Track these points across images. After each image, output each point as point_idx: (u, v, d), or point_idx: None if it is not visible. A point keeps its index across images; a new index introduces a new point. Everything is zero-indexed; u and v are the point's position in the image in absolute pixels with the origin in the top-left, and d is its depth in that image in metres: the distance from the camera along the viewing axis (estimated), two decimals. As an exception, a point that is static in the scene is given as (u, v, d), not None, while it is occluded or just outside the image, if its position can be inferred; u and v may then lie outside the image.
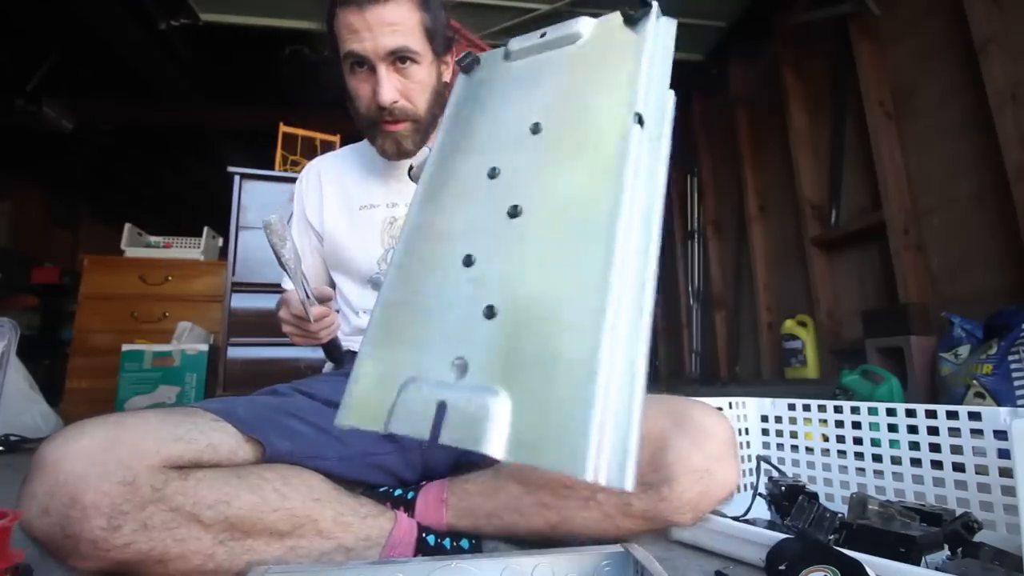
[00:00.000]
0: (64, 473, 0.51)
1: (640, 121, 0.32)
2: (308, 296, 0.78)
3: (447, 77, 0.93)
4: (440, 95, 0.90)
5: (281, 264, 0.74)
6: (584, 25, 0.39)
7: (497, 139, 0.38)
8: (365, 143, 0.96)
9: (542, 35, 0.40)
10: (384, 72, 0.83)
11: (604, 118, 0.34)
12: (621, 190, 0.31)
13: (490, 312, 0.31)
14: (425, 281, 0.35)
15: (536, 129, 0.36)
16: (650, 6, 0.37)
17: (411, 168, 0.38)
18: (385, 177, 0.96)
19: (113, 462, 0.52)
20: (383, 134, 0.88)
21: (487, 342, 0.30)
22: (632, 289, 0.29)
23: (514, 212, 0.34)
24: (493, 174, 0.37)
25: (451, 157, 0.40)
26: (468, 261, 0.34)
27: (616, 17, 0.38)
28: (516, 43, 0.42)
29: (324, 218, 0.98)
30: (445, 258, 0.35)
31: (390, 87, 0.83)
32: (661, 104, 0.34)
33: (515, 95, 0.39)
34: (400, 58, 0.83)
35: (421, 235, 0.38)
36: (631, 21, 0.37)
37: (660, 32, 0.36)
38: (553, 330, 0.29)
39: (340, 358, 0.95)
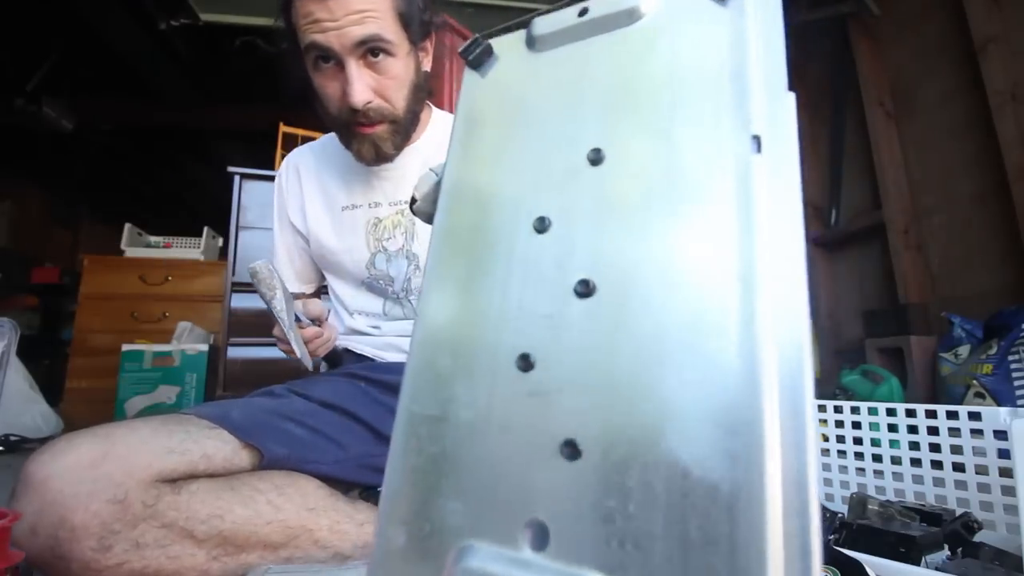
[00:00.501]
0: (52, 492, 0.49)
1: (759, 146, 0.22)
2: (300, 353, 0.74)
3: (426, 67, 0.83)
4: (419, 89, 0.80)
5: (271, 311, 0.71)
6: None
7: (537, 172, 0.27)
8: None
9: (582, 12, 0.28)
10: (354, 68, 0.72)
11: (702, 143, 0.23)
12: (751, 263, 0.20)
13: (571, 451, 0.21)
14: (464, 388, 0.24)
15: (597, 158, 0.25)
16: None
17: (413, 200, 0.31)
18: (366, 175, 0.88)
19: (103, 479, 0.50)
20: (358, 138, 0.79)
21: (570, 494, 0.21)
22: (785, 410, 0.18)
23: (585, 291, 0.23)
24: (542, 227, 0.25)
25: (471, 197, 0.29)
26: (525, 364, 0.23)
27: None
28: (544, 24, 0.29)
29: (307, 219, 0.92)
30: (487, 353, 0.24)
31: (362, 86, 0.73)
32: (783, 115, 0.23)
33: (554, 104, 0.28)
34: (371, 50, 0.72)
35: (446, 314, 0.27)
36: None
37: (763, 6, 0.24)
38: (672, 482, 0.19)
39: (338, 363, 0.94)
